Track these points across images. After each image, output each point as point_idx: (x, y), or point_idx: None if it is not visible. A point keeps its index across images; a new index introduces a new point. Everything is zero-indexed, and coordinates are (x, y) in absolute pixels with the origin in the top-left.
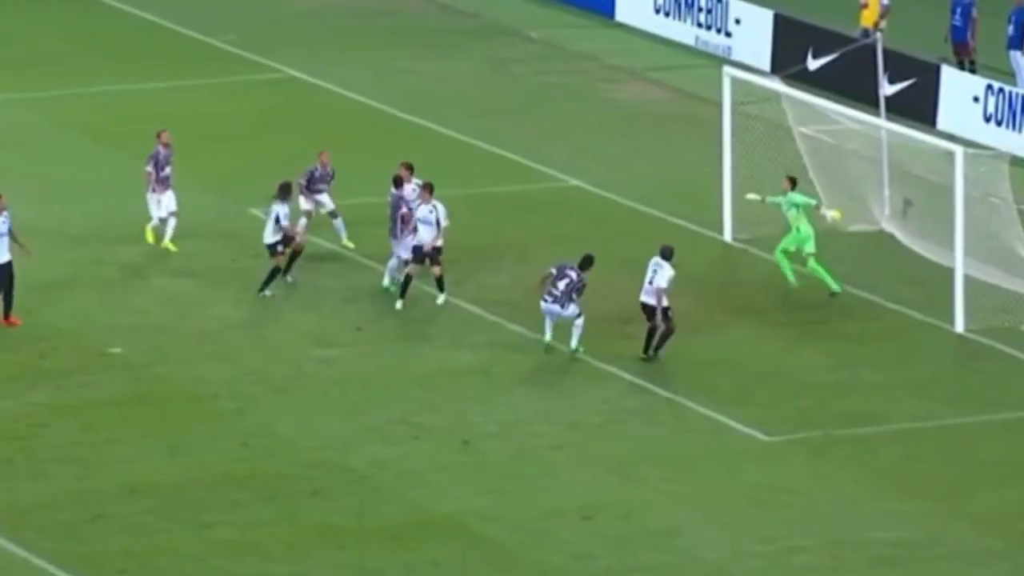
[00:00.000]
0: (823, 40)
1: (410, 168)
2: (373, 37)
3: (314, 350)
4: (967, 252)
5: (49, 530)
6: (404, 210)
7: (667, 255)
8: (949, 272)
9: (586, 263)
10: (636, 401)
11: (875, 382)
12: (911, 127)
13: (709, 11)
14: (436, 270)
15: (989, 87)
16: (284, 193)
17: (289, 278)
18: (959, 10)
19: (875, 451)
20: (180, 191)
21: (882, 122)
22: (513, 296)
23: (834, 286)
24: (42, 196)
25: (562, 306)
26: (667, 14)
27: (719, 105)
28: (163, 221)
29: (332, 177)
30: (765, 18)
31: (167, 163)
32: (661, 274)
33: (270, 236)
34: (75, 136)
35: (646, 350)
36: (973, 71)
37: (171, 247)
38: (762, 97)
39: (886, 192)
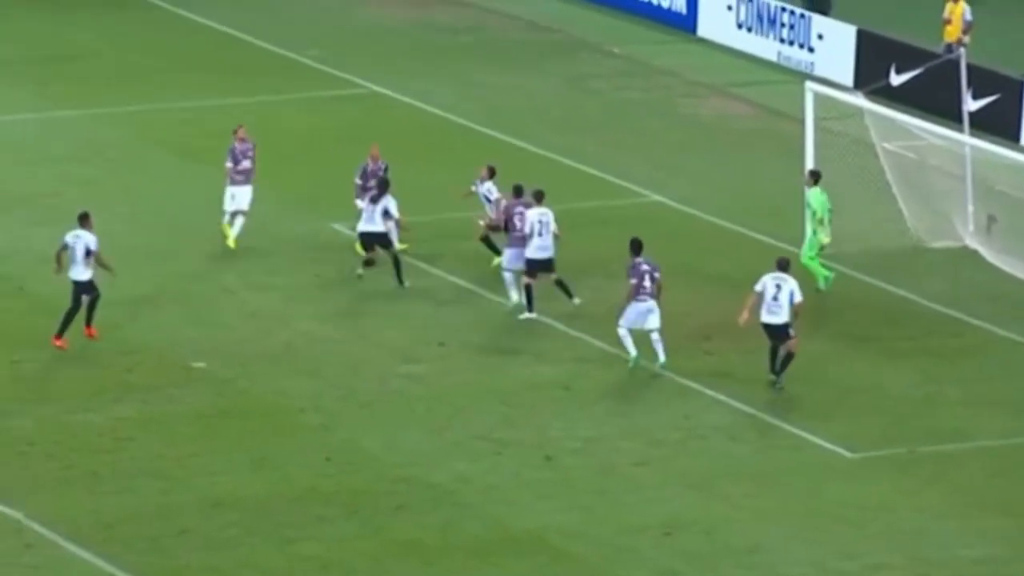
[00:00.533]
0: (906, 55)
1: (492, 172)
2: (456, 52)
3: (399, 365)
4: None
5: (134, 544)
6: (518, 209)
7: (785, 266)
8: None
9: (638, 247)
10: (718, 417)
11: (959, 399)
12: (995, 143)
13: (792, 27)
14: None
15: None
16: (384, 186)
17: (406, 283)
18: None
19: (960, 468)
20: (263, 205)
21: (966, 138)
22: (596, 311)
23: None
24: (128, 211)
25: (657, 301)
26: (749, 30)
27: (801, 121)
28: (233, 216)
29: (385, 173)
30: (848, 33)
31: (243, 157)
32: (787, 288)
33: (374, 225)
34: (160, 151)
35: (773, 369)
36: None
37: (232, 245)
38: (845, 113)
39: (970, 208)
